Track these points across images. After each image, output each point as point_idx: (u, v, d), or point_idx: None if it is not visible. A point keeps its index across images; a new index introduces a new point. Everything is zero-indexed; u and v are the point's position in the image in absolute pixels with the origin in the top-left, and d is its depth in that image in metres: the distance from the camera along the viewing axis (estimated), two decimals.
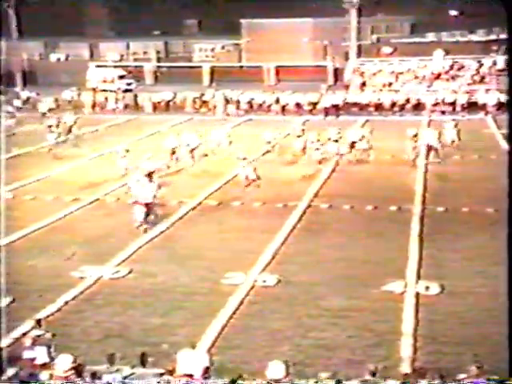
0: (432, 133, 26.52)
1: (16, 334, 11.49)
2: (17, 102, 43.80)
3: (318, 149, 25.24)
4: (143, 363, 9.55)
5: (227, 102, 40.79)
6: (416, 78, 44.43)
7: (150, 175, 20.71)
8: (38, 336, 10.21)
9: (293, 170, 25.02)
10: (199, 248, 16.73)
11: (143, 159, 21.81)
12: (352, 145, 26.12)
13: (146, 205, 17.89)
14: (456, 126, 27.71)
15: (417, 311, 12.86)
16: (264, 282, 14.54)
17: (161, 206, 18.93)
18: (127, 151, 24.32)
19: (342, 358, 11.08)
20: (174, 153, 25.75)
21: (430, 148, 25.72)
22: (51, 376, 9.25)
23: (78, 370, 9.43)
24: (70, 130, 31.32)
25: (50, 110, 39.90)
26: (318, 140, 25.81)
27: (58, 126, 30.61)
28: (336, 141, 26.20)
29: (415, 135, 26.27)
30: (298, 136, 27.23)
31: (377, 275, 14.66)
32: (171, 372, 9.61)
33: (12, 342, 11.32)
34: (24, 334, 10.84)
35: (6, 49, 56.66)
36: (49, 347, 10.08)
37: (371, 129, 28.63)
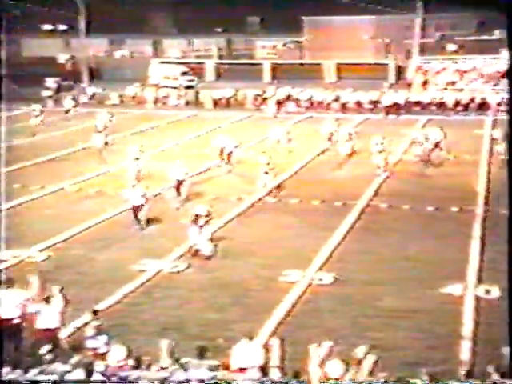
0: None
1: (78, 323, 11.82)
2: (83, 98, 45.02)
3: (380, 152, 23.84)
4: (201, 356, 9.67)
5: (287, 99, 40.87)
6: (481, 76, 43.41)
7: (178, 187, 20.12)
8: (98, 326, 10.49)
9: (352, 168, 24.83)
10: (257, 244, 16.82)
11: (174, 166, 20.57)
12: (436, 145, 25.25)
13: (137, 207, 17.72)
14: None
15: (476, 315, 12.61)
16: (320, 280, 14.53)
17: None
18: (141, 152, 23.12)
19: (398, 360, 10.97)
20: (222, 152, 24.89)
21: None
22: (107, 366, 9.47)
23: (135, 361, 9.64)
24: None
25: (114, 105, 40.81)
26: (382, 143, 24.30)
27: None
28: (421, 144, 24.96)
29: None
30: (346, 141, 26.00)
31: (435, 277, 14.45)
32: (226, 366, 9.71)
33: (74, 331, 11.67)
34: (86, 324, 11.14)
35: (73, 46, 58.26)
36: (109, 337, 10.36)
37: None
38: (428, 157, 24.88)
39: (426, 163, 24.77)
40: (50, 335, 10.60)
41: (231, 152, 24.67)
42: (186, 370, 9.27)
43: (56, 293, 10.93)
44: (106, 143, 26.59)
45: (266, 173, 21.36)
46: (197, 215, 16.30)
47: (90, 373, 9.13)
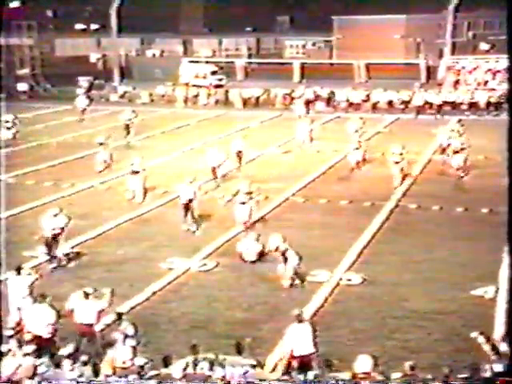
0: None
1: (108, 320, 11.94)
2: (114, 97, 45.46)
3: (397, 162, 22.22)
4: (239, 352, 9.72)
5: (316, 98, 40.79)
6: None
7: (187, 206, 17.98)
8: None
9: (381, 168, 24.65)
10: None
11: (183, 183, 18.43)
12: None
13: (54, 236, 15.60)
14: None
15: (509, 318, 12.42)
16: (349, 280, 14.49)
17: None
18: (141, 165, 21.03)
19: (428, 362, 10.88)
20: (240, 157, 24.16)
21: None
22: (114, 369, 9.50)
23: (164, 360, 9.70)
24: (128, 130, 30.07)
25: (144, 103, 40.87)
26: (401, 154, 22.46)
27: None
28: (457, 152, 23.21)
29: None
30: (356, 148, 24.26)
31: (466, 279, 14.32)
32: (262, 365, 9.75)
33: (104, 327, 11.79)
34: (115, 321, 11.25)
35: (105, 45, 58.88)
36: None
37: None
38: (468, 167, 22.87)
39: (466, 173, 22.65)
40: (87, 330, 10.74)
41: (219, 166, 22.56)
42: (223, 367, 9.33)
43: (106, 292, 11.07)
44: (110, 164, 24.07)
45: (243, 203, 17.59)
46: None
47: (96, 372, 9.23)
